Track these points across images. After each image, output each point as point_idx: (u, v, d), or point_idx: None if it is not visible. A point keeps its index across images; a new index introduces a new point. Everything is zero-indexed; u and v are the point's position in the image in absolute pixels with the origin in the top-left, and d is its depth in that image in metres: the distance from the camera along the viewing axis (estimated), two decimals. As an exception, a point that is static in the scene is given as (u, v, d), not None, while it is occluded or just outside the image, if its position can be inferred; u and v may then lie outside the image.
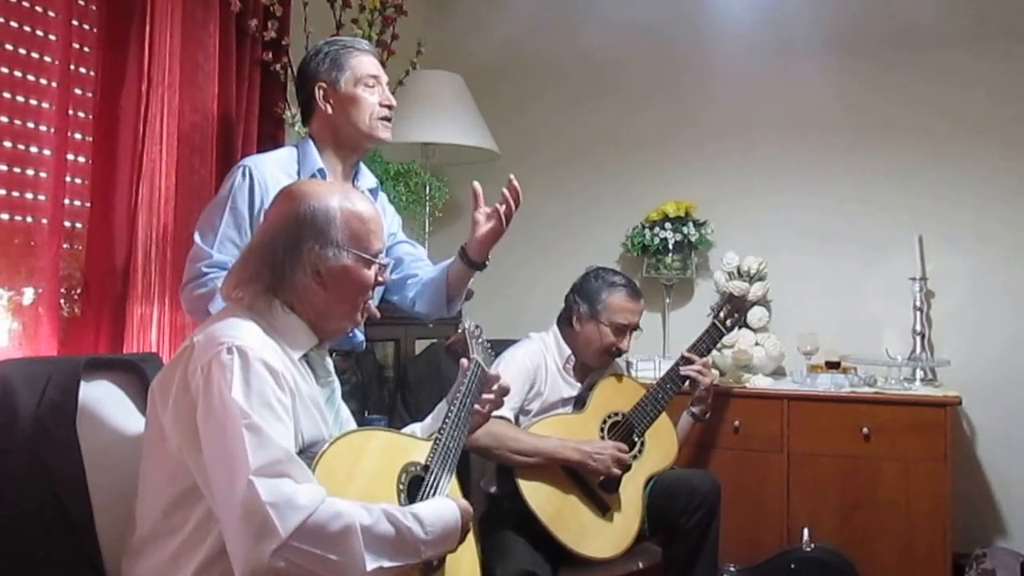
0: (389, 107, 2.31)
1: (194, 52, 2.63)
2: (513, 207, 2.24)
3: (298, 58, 2.92)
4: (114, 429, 1.87)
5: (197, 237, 2.17)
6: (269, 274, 1.66)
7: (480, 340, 2.12)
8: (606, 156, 4.18)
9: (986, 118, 3.69)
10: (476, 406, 1.97)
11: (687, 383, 2.98)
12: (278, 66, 2.90)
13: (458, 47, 4.25)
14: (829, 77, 3.88)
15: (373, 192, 2.47)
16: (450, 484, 1.81)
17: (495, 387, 2.02)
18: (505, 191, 2.23)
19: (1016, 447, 3.59)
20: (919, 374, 3.52)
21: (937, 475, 3.16)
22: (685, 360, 2.99)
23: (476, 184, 2.30)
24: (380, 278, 1.78)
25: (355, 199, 1.75)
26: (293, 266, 1.66)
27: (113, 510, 1.75)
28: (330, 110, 2.28)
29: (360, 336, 2.43)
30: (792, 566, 3.08)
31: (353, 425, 1.89)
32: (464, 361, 2.01)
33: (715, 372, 3.15)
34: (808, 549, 3.09)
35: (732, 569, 3.14)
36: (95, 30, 2.47)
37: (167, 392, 1.57)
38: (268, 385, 1.52)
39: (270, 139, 2.91)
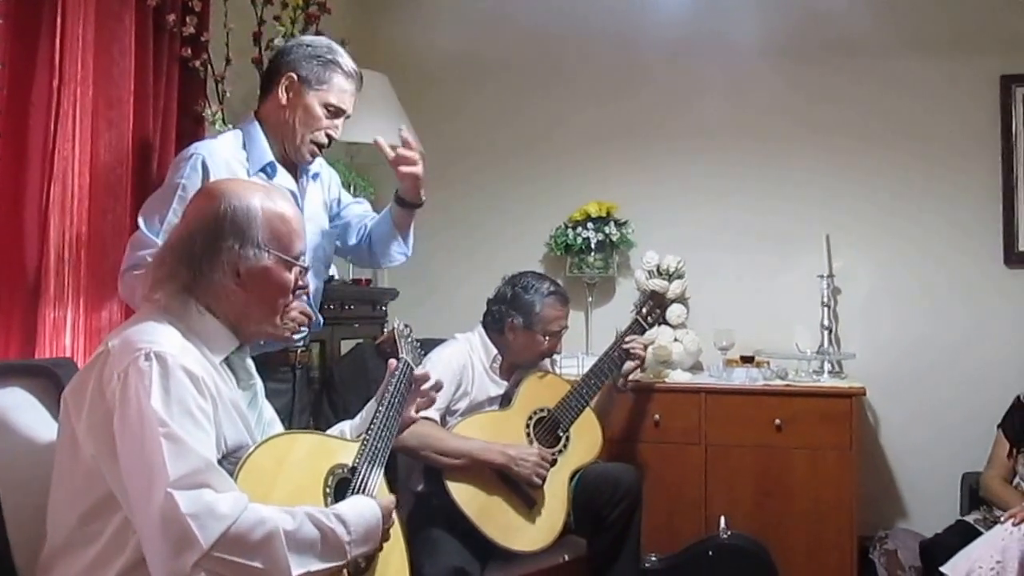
0: (330, 140, 2.30)
1: (109, 46, 2.53)
2: (412, 149, 2.36)
3: (218, 55, 2.90)
4: (26, 437, 1.82)
5: (142, 223, 2.11)
6: (187, 273, 1.62)
7: (409, 340, 2.13)
8: (530, 158, 4.20)
9: (894, 121, 3.83)
10: (406, 409, 1.98)
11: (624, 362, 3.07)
12: (197, 63, 2.83)
13: (383, 47, 4.22)
14: (748, 81, 3.98)
15: (315, 177, 2.47)
16: (378, 485, 1.82)
17: (425, 386, 2.03)
18: (400, 147, 2.36)
19: (915, 435, 3.76)
20: (827, 367, 3.64)
21: (844, 463, 3.30)
22: (624, 340, 3.06)
23: (378, 139, 2.40)
24: (300, 281, 1.75)
25: (277, 199, 1.73)
26: (212, 265, 1.62)
27: (26, 519, 1.69)
28: (284, 101, 2.25)
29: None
30: (710, 553, 3.16)
31: (277, 427, 1.88)
32: (393, 361, 2.02)
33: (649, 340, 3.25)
34: (725, 536, 3.17)
35: (654, 559, 3.21)
36: (1, 21, 2.36)
37: (81, 399, 1.53)
38: (188, 392, 1.49)
39: (189, 137, 2.82)
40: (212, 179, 2.10)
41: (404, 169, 2.39)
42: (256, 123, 2.28)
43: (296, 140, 2.26)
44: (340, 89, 2.27)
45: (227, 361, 1.69)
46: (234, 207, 1.64)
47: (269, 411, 1.87)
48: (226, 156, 2.17)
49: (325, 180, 2.54)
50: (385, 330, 2.19)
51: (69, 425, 1.56)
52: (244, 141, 2.25)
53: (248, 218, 1.64)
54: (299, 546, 1.48)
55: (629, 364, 3.07)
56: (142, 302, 1.67)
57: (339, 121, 2.31)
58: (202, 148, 2.19)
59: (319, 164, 2.48)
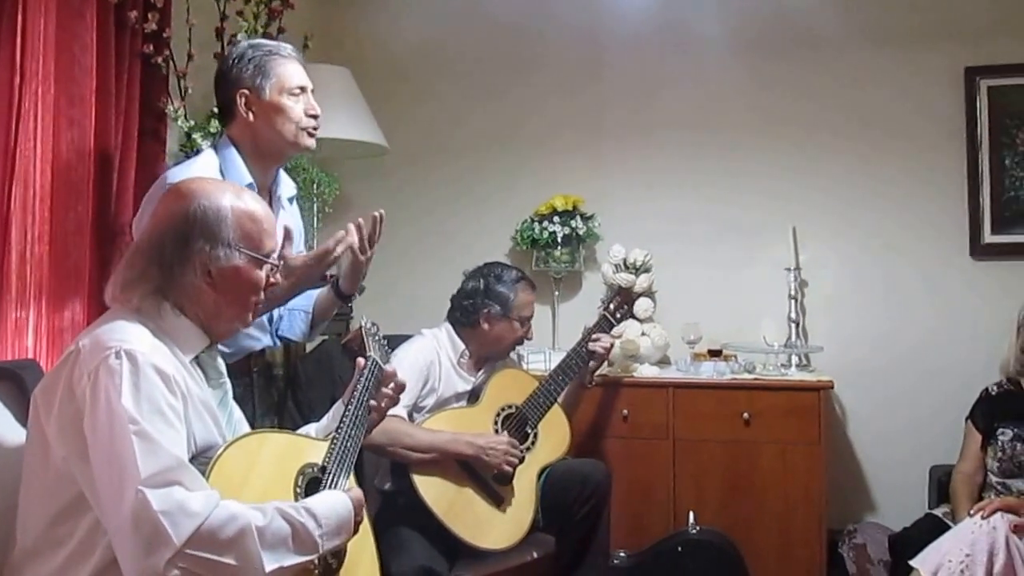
0: (315, 116, 2.27)
1: (70, 44, 2.52)
2: (357, 240, 2.24)
3: (180, 51, 2.88)
4: (-10, 440, 1.79)
5: None
6: (158, 274, 1.62)
7: (377, 338, 2.12)
8: (496, 151, 4.19)
9: (859, 113, 3.83)
10: (373, 403, 1.98)
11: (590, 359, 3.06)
12: (159, 59, 2.81)
13: (346, 41, 4.21)
14: (714, 74, 3.97)
15: (291, 200, 2.43)
16: (348, 484, 1.82)
17: (392, 384, 2.02)
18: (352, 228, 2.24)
19: (883, 427, 3.77)
20: (794, 360, 3.65)
21: (812, 456, 3.31)
22: (592, 338, 3.06)
23: (351, 226, 2.28)
24: (272, 279, 1.75)
25: (247, 198, 1.73)
26: (183, 266, 1.63)
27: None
28: (252, 117, 2.21)
29: (265, 340, 2.40)
30: (679, 549, 3.16)
31: (246, 427, 1.88)
32: (361, 360, 2.02)
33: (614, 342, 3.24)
34: (694, 532, 3.18)
35: (622, 555, 3.22)
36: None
37: (51, 399, 1.52)
38: (159, 390, 1.49)
39: (152, 135, 2.82)
40: None
41: (361, 257, 2.29)
42: (231, 146, 2.24)
43: (289, 137, 2.23)
44: (289, 71, 2.24)
45: (197, 360, 1.69)
46: (204, 207, 1.64)
47: (238, 411, 1.87)
48: None
49: (297, 223, 2.50)
50: (351, 327, 2.18)
51: (39, 426, 1.55)
52: (221, 166, 2.21)
53: (218, 218, 1.64)
54: (271, 541, 1.49)
55: (594, 363, 3.09)
56: (111, 302, 1.67)
57: (308, 96, 2.27)
58: (177, 175, 2.12)
59: (294, 189, 2.46)
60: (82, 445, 1.46)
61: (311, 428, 2.00)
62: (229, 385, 1.83)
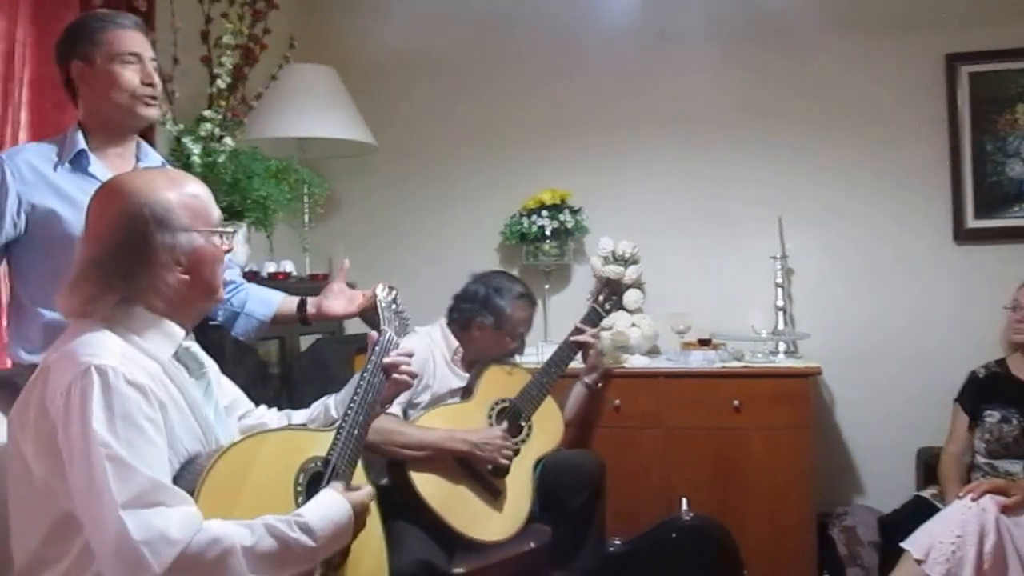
0: (151, 85, 2.16)
1: (51, 44, 2.50)
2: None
3: (164, 55, 2.85)
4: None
5: None
6: (122, 283, 1.57)
7: (394, 308, 2.02)
8: (484, 147, 4.20)
9: (842, 101, 3.86)
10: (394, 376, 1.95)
11: (579, 353, 3.12)
12: (145, 63, 2.79)
13: (331, 41, 4.19)
14: (697, 65, 3.99)
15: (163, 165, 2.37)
16: (355, 474, 1.80)
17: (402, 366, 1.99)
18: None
19: (870, 411, 3.81)
20: (782, 347, 3.68)
21: (801, 442, 3.34)
22: (576, 331, 3.11)
23: (346, 262, 2.42)
24: (227, 245, 1.72)
25: (179, 179, 1.69)
26: (151, 266, 1.58)
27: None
28: (87, 89, 2.14)
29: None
30: (673, 535, 3.19)
31: (240, 407, 1.87)
32: (373, 333, 1.96)
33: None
34: (687, 518, 3.21)
35: (617, 542, 3.24)
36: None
37: (25, 421, 1.49)
38: (134, 403, 1.45)
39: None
40: (11, 175, 2.06)
41: (337, 301, 2.40)
42: (76, 125, 2.18)
43: (124, 104, 2.14)
44: (120, 36, 2.13)
45: (175, 355, 1.64)
46: (146, 203, 1.59)
47: (228, 395, 1.86)
48: (32, 156, 2.11)
49: None
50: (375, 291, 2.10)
51: (17, 448, 1.52)
52: (59, 140, 2.17)
53: (166, 209, 1.60)
54: (259, 561, 1.46)
55: (590, 360, 3.12)
56: (74, 317, 1.60)
57: (146, 64, 2.16)
58: (3, 152, 2.12)
59: (160, 160, 2.38)
60: (60, 464, 1.43)
61: (331, 400, 1.99)
62: (212, 371, 1.78)
